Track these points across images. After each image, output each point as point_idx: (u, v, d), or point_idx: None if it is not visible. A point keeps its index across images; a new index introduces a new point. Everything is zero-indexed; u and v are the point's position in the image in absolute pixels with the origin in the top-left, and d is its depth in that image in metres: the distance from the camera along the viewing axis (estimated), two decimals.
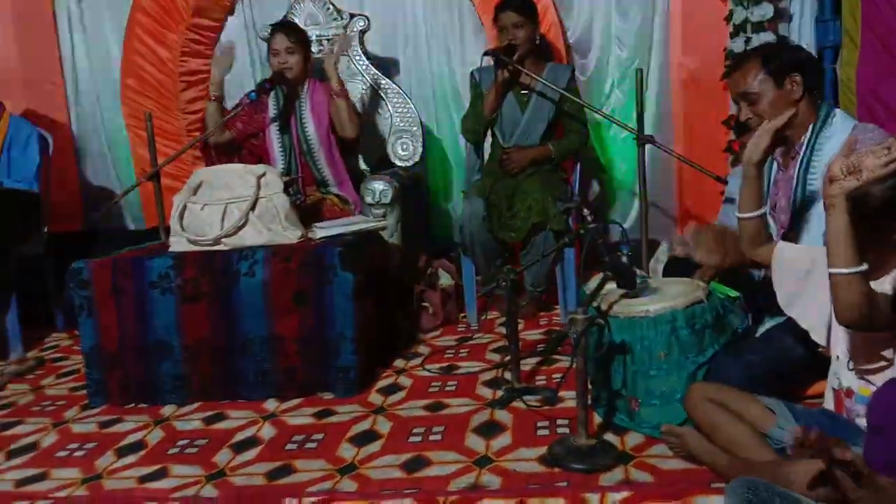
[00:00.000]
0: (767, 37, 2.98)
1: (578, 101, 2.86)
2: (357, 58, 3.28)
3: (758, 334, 1.86)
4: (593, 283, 1.87)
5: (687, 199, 3.33)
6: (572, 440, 1.74)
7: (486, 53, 2.82)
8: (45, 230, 3.32)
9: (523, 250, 2.83)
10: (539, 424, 1.93)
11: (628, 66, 3.38)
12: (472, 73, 3.03)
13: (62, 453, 2.02)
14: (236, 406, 2.25)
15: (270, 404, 2.24)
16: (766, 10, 2.94)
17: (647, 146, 2.58)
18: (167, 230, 2.56)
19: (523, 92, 2.93)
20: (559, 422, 1.93)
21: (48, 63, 3.89)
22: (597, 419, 1.91)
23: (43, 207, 3.30)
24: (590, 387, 1.85)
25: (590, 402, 1.82)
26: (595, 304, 1.81)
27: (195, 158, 3.59)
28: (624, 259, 1.81)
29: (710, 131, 3.14)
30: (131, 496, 1.73)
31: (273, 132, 2.91)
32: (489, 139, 3.03)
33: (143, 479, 1.82)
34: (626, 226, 3.07)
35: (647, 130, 2.68)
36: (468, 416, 2.03)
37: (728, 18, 3.04)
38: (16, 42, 3.81)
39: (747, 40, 3.00)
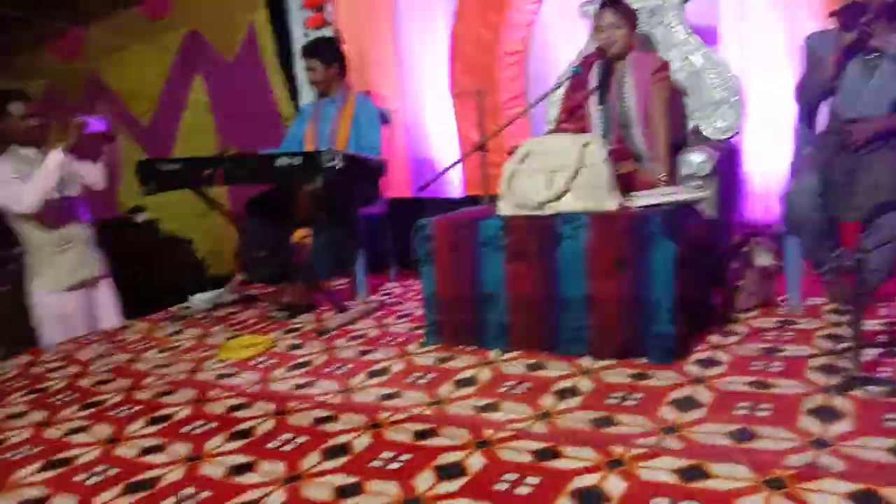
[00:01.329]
0: None
1: None
2: (676, 28, 3.22)
3: None
4: None
5: None
6: None
7: (831, 14, 2.59)
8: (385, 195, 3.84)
9: (864, 231, 2.56)
10: (887, 416, 1.77)
11: None
12: (806, 39, 2.79)
13: (409, 379, 2.36)
14: (553, 357, 2.40)
15: (585, 361, 2.35)
16: None
17: None
18: (490, 197, 2.81)
19: (870, 57, 2.63)
20: None
21: (386, 46, 4.45)
22: None
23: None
24: None
25: None
26: None
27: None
28: None
29: None
30: (473, 422, 1.97)
31: (593, 105, 3.00)
32: (824, 109, 2.78)
33: (480, 410, 2.06)
34: None
35: None
36: (798, 397, 1.93)
37: None
38: (362, 29, 4.43)
39: None
